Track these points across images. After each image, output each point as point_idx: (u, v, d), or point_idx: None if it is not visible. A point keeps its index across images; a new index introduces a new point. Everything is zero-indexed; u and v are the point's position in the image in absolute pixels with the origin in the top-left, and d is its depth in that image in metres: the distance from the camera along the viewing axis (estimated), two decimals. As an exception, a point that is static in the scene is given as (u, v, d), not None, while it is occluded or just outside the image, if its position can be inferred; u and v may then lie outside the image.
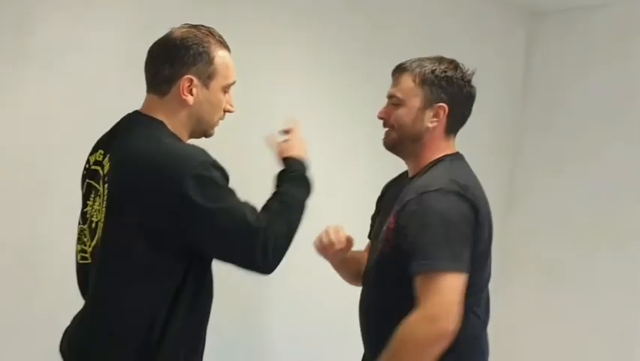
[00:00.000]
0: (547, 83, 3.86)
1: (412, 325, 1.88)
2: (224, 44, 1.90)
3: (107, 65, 2.72)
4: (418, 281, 1.92)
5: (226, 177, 1.84)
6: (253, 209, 1.85)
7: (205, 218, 1.75)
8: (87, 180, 1.96)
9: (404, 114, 2.05)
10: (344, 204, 3.27)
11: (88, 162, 1.99)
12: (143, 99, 1.93)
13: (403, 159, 2.20)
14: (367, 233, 2.44)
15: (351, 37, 3.37)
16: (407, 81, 2.05)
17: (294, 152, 2.02)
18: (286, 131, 2.09)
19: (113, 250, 1.81)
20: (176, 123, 1.86)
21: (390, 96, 2.10)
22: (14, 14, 2.53)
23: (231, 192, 1.82)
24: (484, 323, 2.13)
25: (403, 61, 2.12)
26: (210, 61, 1.84)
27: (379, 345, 1.97)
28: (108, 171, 1.85)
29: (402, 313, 1.92)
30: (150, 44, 1.95)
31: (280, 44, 3.15)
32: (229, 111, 1.95)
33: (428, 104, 2.03)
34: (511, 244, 3.65)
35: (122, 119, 1.95)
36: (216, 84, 1.86)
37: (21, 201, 2.62)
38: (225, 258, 1.86)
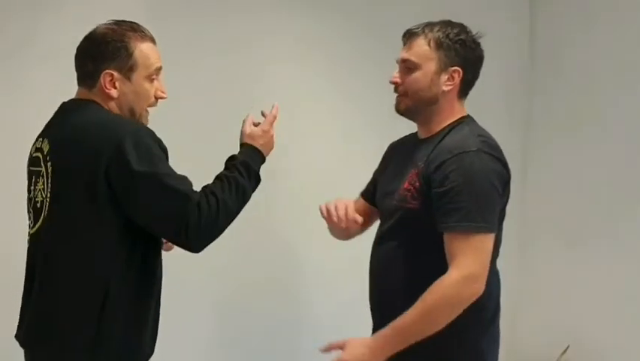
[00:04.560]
0: (553, 43, 3.80)
1: (452, 283, 1.89)
2: (146, 37, 1.96)
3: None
4: (453, 240, 1.93)
5: (164, 150, 1.88)
6: (190, 182, 1.88)
7: (136, 180, 1.79)
8: (29, 168, 2.01)
9: (420, 78, 2.04)
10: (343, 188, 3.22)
11: (30, 153, 2.03)
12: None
13: (416, 122, 2.20)
14: (362, 191, 2.43)
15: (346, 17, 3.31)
16: (421, 45, 2.03)
17: (258, 143, 2.02)
18: (264, 115, 2.06)
19: (60, 224, 1.87)
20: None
21: (404, 60, 2.08)
22: (19, 22, 2.67)
23: (164, 161, 1.86)
24: (499, 281, 2.14)
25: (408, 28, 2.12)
26: (129, 55, 1.90)
27: (405, 305, 1.96)
28: (48, 150, 1.93)
29: (430, 273, 1.93)
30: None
31: (276, 26, 3.11)
32: (160, 97, 2.00)
33: (444, 67, 2.03)
34: (529, 209, 3.59)
35: (58, 108, 2.01)
36: (139, 75, 1.93)
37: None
38: (152, 224, 1.86)
